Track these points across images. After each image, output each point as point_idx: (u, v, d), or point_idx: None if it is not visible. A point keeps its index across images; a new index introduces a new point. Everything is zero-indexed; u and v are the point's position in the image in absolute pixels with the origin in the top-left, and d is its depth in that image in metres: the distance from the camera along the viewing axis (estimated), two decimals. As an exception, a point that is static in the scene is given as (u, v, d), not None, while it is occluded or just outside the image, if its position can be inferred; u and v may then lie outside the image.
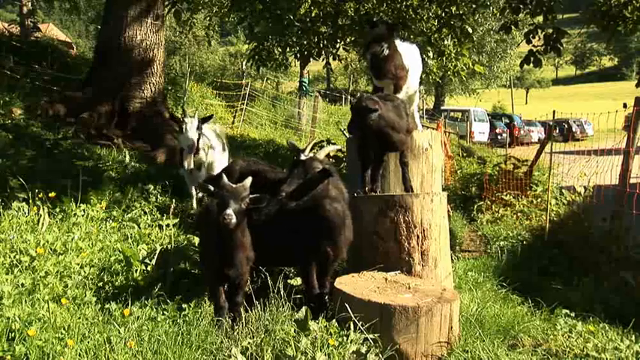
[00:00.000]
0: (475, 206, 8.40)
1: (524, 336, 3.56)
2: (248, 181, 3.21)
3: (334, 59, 9.93)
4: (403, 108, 4.15)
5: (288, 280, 3.99)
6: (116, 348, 2.77)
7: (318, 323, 3.06)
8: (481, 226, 7.72)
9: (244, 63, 28.84)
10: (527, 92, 74.86)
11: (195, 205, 5.93)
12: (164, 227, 4.91)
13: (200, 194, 5.95)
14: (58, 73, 10.68)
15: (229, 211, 3.03)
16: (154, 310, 3.27)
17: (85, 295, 3.32)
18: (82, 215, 4.63)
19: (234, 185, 3.17)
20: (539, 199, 8.10)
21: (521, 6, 7.52)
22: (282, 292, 3.45)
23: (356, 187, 4.09)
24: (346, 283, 3.49)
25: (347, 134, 4.01)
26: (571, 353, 3.33)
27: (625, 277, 5.01)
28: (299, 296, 3.57)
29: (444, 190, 6.76)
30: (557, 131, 24.24)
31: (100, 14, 16.95)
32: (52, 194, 4.59)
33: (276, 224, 3.58)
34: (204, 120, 5.78)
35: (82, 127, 8.00)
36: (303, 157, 3.51)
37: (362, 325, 3.07)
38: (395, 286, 3.52)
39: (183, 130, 5.50)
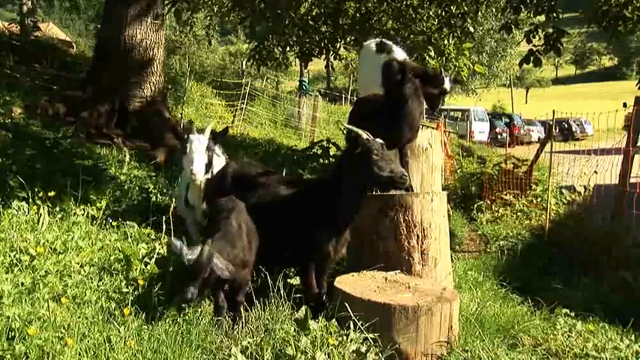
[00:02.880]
0: (475, 206, 8.41)
1: (524, 335, 3.56)
2: (205, 250, 2.89)
3: (335, 59, 9.93)
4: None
5: (288, 280, 3.99)
6: (116, 347, 2.77)
7: (317, 323, 3.06)
8: (481, 225, 7.72)
9: (244, 62, 28.83)
10: (527, 92, 74.81)
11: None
12: (164, 226, 4.90)
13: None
14: (58, 72, 10.67)
15: (189, 295, 2.82)
16: (154, 309, 3.26)
17: (85, 295, 3.31)
18: (82, 214, 4.63)
19: (191, 257, 2.87)
20: (539, 199, 8.11)
21: (522, 6, 7.52)
22: (282, 292, 3.45)
23: None
24: (346, 283, 3.49)
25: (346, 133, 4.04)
26: (571, 353, 3.33)
27: (625, 277, 5.01)
28: (299, 295, 3.57)
29: (443, 189, 6.77)
30: (558, 130, 24.24)
31: (99, 13, 16.94)
32: (51, 193, 4.59)
33: (276, 224, 3.58)
34: (217, 135, 4.37)
35: (81, 126, 7.99)
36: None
37: (362, 325, 3.07)
38: (395, 285, 3.52)
39: (187, 150, 4.10)
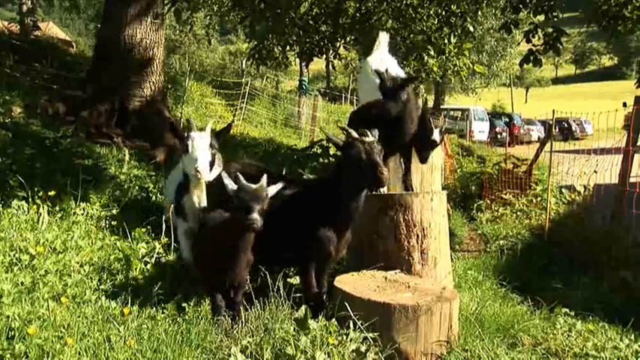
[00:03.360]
0: (475, 205, 8.41)
1: (524, 335, 3.56)
2: (264, 179, 3.12)
3: (335, 58, 9.94)
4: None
5: (288, 279, 3.99)
6: (116, 346, 2.77)
7: (317, 322, 3.06)
8: (481, 225, 7.72)
9: (244, 62, 28.83)
10: (526, 91, 74.80)
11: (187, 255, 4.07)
12: (164, 226, 4.90)
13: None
14: (58, 72, 10.66)
15: (255, 215, 2.95)
16: (154, 308, 3.27)
17: (85, 294, 3.32)
18: (82, 214, 4.63)
19: (253, 186, 3.06)
20: (539, 198, 8.10)
21: (522, 5, 7.53)
22: (281, 291, 3.45)
23: None
24: (346, 282, 3.49)
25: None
26: (570, 352, 3.33)
27: (625, 276, 5.01)
28: (299, 295, 3.57)
29: (443, 189, 6.77)
30: (557, 130, 24.24)
31: (99, 13, 16.93)
32: (51, 193, 4.58)
33: (277, 223, 3.57)
34: (220, 133, 4.11)
35: (81, 125, 7.99)
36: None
37: (362, 324, 3.07)
38: (394, 285, 3.52)
39: (189, 148, 3.82)
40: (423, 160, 4.25)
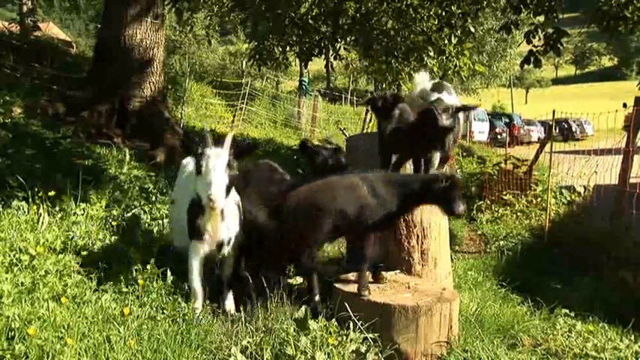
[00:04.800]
0: (475, 206, 8.40)
1: (524, 335, 3.56)
2: None
3: (335, 58, 9.95)
4: None
5: (288, 280, 3.99)
6: (116, 347, 2.77)
7: (317, 322, 3.06)
8: (481, 225, 7.72)
9: (244, 62, 28.83)
10: (527, 92, 74.80)
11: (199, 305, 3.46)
12: (164, 225, 4.91)
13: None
14: (58, 72, 10.67)
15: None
16: (154, 308, 3.26)
17: (85, 294, 3.31)
18: (82, 214, 4.62)
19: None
20: (539, 199, 8.10)
21: (522, 6, 7.54)
22: (281, 292, 3.45)
23: None
24: (346, 283, 3.49)
25: (346, 134, 4.04)
26: (570, 353, 3.33)
27: (624, 276, 5.01)
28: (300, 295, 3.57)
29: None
30: (557, 131, 24.22)
31: (99, 13, 16.95)
32: (51, 193, 4.58)
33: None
34: (242, 151, 3.42)
35: (82, 126, 8.00)
36: None
37: (361, 325, 3.08)
38: (394, 285, 3.52)
39: (203, 169, 3.17)
40: (443, 151, 4.25)
